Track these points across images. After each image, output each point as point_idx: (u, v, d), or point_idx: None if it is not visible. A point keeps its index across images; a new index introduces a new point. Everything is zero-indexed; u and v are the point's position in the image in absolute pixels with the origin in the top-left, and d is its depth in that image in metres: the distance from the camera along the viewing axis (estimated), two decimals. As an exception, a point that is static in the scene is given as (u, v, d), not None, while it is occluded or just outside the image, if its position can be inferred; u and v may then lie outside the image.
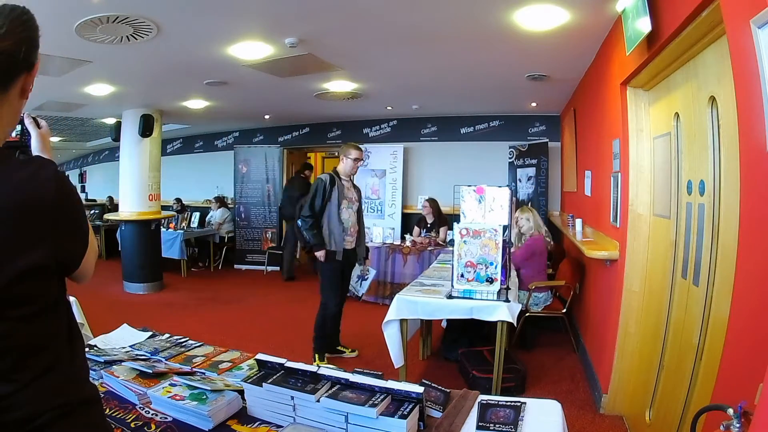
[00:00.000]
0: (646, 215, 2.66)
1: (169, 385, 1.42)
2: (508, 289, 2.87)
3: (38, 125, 1.02)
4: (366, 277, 5.53)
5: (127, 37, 3.27)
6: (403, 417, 1.16)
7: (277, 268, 7.58)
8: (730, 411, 1.02)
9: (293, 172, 8.26)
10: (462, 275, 2.85)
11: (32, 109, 5.60)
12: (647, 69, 2.40)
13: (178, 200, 8.76)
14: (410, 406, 1.20)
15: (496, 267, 2.80)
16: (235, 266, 7.97)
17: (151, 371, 1.48)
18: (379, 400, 1.19)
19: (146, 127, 6.12)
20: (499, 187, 2.98)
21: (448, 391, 1.42)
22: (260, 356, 1.40)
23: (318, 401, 1.23)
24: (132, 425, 1.26)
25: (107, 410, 1.32)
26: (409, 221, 6.98)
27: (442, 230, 5.94)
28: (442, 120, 7.13)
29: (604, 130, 3.35)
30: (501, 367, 2.86)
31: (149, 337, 1.95)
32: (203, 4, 2.84)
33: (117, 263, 6.71)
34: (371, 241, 5.65)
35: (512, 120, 6.76)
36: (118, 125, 6.34)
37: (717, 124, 1.82)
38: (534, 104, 5.98)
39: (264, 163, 7.97)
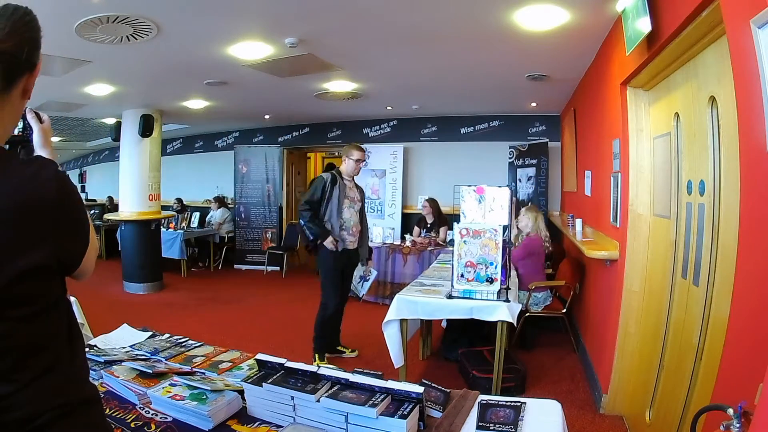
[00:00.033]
0: (646, 215, 2.66)
1: (169, 385, 1.42)
2: (508, 289, 2.87)
3: (40, 120, 1.02)
4: (368, 278, 5.53)
5: (127, 37, 3.27)
6: (403, 417, 1.16)
7: (277, 268, 7.59)
8: (730, 411, 1.02)
9: (293, 172, 8.27)
10: (462, 275, 2.85)
11: (32, 109, 5.58)
12: (647, 69, 2.40)
13: (179, 200, 8.77)
14: (410, 406, 1.20)
15: (496, 267, 2.80)
16: (235, 266, 7.98)
17: (151, 371, 1.48)
18: (379, 400, 1.19)
19: (146, 127, 6.12)
20: (499, 187, 2.97)
21: (448, 391, 1.42)
22: (260, 356, 1.40)
23: (318, 401, 1.23)
24: (132, 425, 1.26)
25: (107, 410, 1.32)
26: (409, 221, 6.98)
27: (442, 230, 5.94)
28: (442, 120, 7.13)
29: (604, 130, 3.35)
30: (501, 367, 2.86)
31: (149, 337, 1.94)
32: (203, 4, 2.84)
33: (117, 263, 6.71)
34: (371, 241, 5.65)
35: (512, 120, 6.76)
36: (118, 125, 6.34)
37: (717, 124, 1.82)
38: (534, 104, 5.98)
39: (264, 163, 7.98)
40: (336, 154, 9.66)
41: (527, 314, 3.86)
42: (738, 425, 1.00)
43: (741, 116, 1.42)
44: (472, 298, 2.82)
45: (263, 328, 4.79)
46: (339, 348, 3.92)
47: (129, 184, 6.29)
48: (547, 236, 4.32)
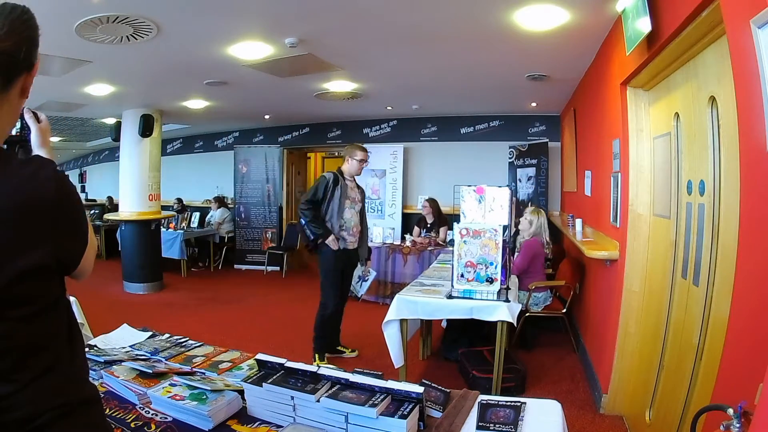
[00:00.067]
0: (646, 215, 2.66)
1: (169, 385, 1.42)
2: (508, 289, 2.87)
3: (38, 120, 1.02)
4: (367, 278, 5.53)
5: (127, 37, 3.27)
6: (403, 417, 1.16)
7: (277, 268, 7.58)
8: (730, 411, 1.02)
9: (293, 172, 8.27)
10: (462, 275, 2.85)
11: (32, 109, 5.58)
12: (647, 69, 2.40)
13: (179, 200, 8.77)
14: (410, 406, 1.20)
15: (496, 267, 2.80)
16: (235, 266, 7.98)
17: (151, 371, 1.48)
18: (379, 400, 1.19)
19: (146, 127, 6.12)
20: (499, 187, 2.97)
21: (448, 391, 1.42)
22: (260, 356, 1.40)
23: (318, 401, 1.23)
24: (132, 425, 1.26)
25: (107, 410, 1.32)
26: (409, 221, 6.98)
27: (442, 230, 5.94)
28: (442, 120, 7.13)
29: (604, 130, 3.35)
30: (501, 367, 2.86)
31: (149, 337, 1.94)
32: (203, 4, 2.84)
33: (117, 263, 6.71)
34: (371, 241, 5.65)
35: (512, 120, 6.76)
36: (118, 125, 6.34)
37: (717, 124, 1.82)
38: (534, 104, 5.98)
39: (264, 163, 7.98)
40: (336, 154, 9.66)
41: (527, 314, 3.85)
42: (738, 425, 1.00)
43: (741, 116, 1.42)
44: (472, 298, 2.82)
45: (263, 328, 4.79)
46: (339, 348, 3.92)
47: (129, 184, 6.29)
48: (548, 242, 4.28)
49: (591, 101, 4.00)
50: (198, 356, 1.74)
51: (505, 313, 2.73)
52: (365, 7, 2.88)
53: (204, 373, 1.57)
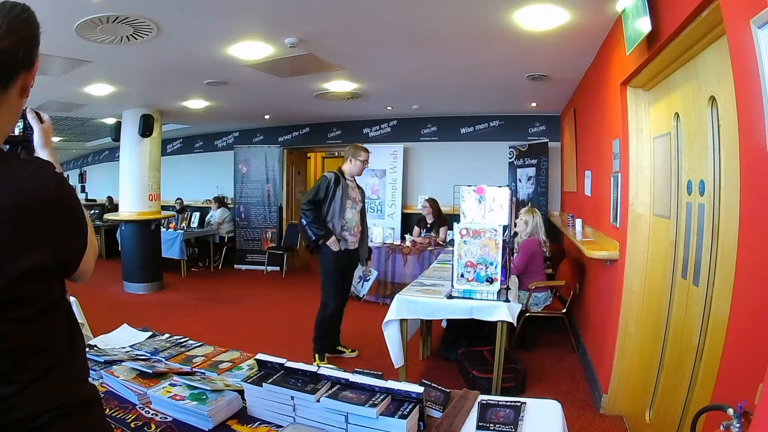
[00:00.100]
0: (646, 215, 2.66)
1: (169, 385, 1.42)
2: (508, 289, 2.87)
3: (41, 120, 1.02)
4: (368, 278, 5.52)
5: (127, 37, 3.27)
6: (403, 417, 1.16)
7: (277, 268, 7.58)
8: (730, 411, 1.02)
9: (293, 172, 8.27)
10: (462, 275, 2.85)
11: (32, 109, 5.59)
12: (647, 69, 2.40)
13: (179, 200, 8.77)
14: (410, 406, 1.20)
15: (496, 267, 2.80)
16: (235, 266, 7.98)
17: (151, 371, 1.48)
18: (379, 400, 1.19)
19: (146, 127, 6.12)
20: (499, 187, 2.97)
21: (448, 391, 1.42)
22: (260, 356, 1.40)
23: (318, 401, 1.23)
24: (132, 425, 1.26)
25: (107, 410, 1.32)
26: (409, 221, 6.98)
27: (442, 230, 5.94)
28: (442, 120, 7.13)
29: (604, 130, 3.35)
30: (501, 367, 2.86)
31: (149, 337, 1.94)
32: (203, 4, 2.84)
33: (117, 263, 6.70)
34: (371, 241, 5.65)
35: (512, 120, 6.76)
36: (118, 125, 6.34)
37: (717, 124, 1.82)
38: (534, 104, 5.98)
39: (264, 163, 7.98)
40: (336, 154, 9.66)
41: (527, 314, 3.85)
42: (738, 425, 1.00)
43: (741, 116, 1.42)
44: (472, 298, 2.82)
45: (263, 328, 4.79)
46: (339, 348, 3.92)
47: (129, 184, 6.29)
48: (545, 241, 4.28)
49: (591, 101, 4.00)
50: (198, 356, 1.74)
51: (505, 313, 2.73)
52: (365, 7, 2.88)
53: (204, 373, 1.57)
